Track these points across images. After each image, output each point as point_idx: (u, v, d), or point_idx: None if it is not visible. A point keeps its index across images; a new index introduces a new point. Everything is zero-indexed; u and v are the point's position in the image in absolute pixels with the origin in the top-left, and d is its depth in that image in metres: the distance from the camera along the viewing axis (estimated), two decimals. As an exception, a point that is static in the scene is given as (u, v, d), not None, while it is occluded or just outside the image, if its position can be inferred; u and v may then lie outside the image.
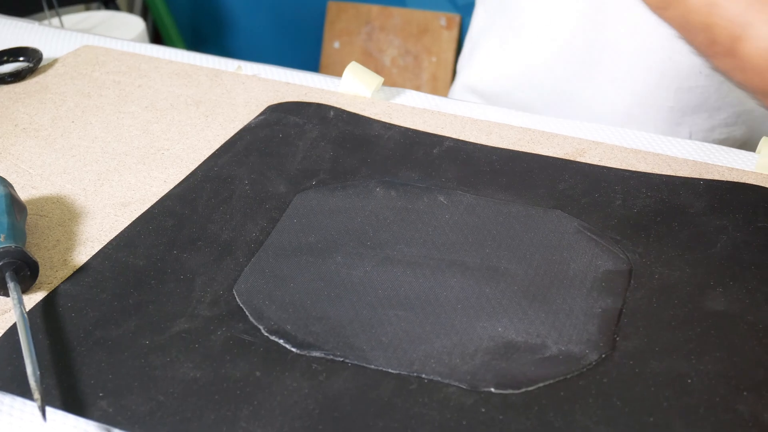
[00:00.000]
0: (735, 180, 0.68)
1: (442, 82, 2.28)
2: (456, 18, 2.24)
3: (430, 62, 2.28)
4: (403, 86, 1.90)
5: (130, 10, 2.34)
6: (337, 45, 2.38)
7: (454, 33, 2.25)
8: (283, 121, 0.76)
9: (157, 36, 2.45)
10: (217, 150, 0.73)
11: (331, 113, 0.77)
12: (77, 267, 0.59)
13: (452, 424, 0.48)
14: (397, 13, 2.31)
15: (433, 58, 2.28)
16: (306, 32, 2.45)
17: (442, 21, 2.25)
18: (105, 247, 0.61)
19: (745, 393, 0.49)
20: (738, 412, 0.48)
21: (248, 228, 0.63)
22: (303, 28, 2.45)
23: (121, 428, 0.48)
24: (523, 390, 0.50)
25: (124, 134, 0.77)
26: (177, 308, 0.56)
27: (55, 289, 0.57)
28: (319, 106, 0.78)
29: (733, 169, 0.71)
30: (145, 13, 2.43)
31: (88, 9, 2.05)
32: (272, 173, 0.69)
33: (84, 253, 0.61)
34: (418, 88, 2.23)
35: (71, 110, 0.80)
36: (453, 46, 2.26)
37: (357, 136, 0.74)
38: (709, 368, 0.51)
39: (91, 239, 0.63)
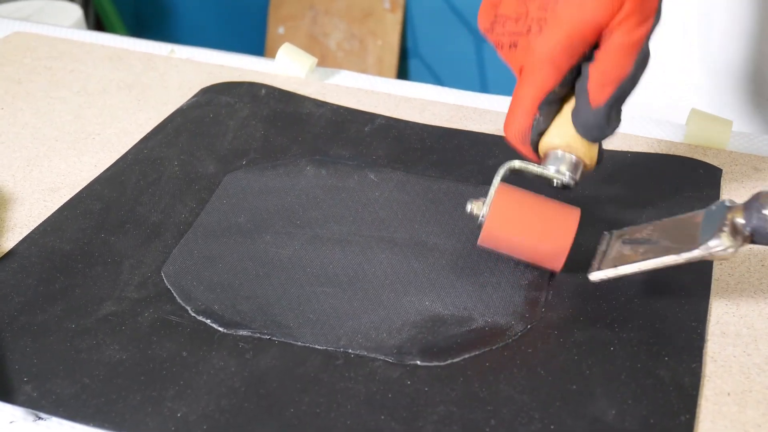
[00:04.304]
0: (664, 152, 0.69)
1: (388, 65, 2.28)
2: (400, 1, 2.24)
3: (376, 45, 2.28)
4: (349, 70, 1.91)
5: (71, -2, 2.31)
6: (281, 30, 2.36)
7: (398, 16, 2.25)
8: (214, 101, 0.76)
9: (99, 24, 2.42)
10: (148, 133, 0.72)
11: (263, 91, 0.77)
12: (3, 253, 0.59)
13: (378, 397, 0.48)
14: (340, -4, 2.31)
15: (379, 41, 2.27)
16: (250, 18, 2.44)
17: (386, 4, 2.25)
18: (32, 232, 0.61)
19: (666, 358, 0.50)
20: (659, 376, 0.49)
21: (177, 209, 0.63)
22: (247, 13, 2.44)
23: (45, 412, 0.47)
24: (449, 362, 0.50)
25: (54, 119, 0.76)
26: (104, 291, 0.55)
27: (-21, 276, 0.57)
28: (251, 84, 0.78)
29: (662, 140, 0.72)
30: (86, 2, 2.40)
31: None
32: (202, 154, 0.69)
33: (11, 239, 0.60)
34: (364, 72, 2.23)
35: (0, 97, 0.79)
36: (398, 29, 2.26)
37: (288, 114, 0.74)
38: (631, 336, 0.51)
39: (20, 225, 0.62)
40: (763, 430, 0.46)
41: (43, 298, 0.55)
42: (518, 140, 0.58)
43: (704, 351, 0.51)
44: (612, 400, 0.47)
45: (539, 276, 0.56)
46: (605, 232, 0.57)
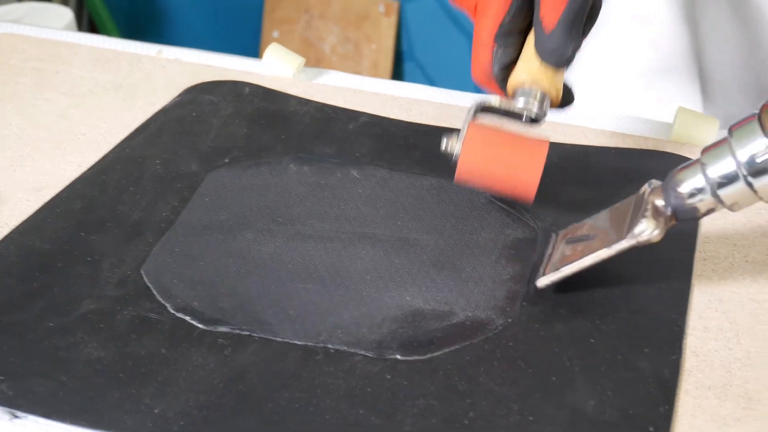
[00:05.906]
0: (650, 149, 0.69)
1: (383, 68, 2.28)
2: (394, 5, 2.24)
3: (371, 49, 2.28)
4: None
5: (64, 2, 2.31)
6: (276, 34, 2.36)
7: (393, 20, 2.25)
8: (197, 100, 0.76)
9: (93, 28, 2.43)
10: (131, 132, 0.72)
11: (246, 90, 0.77)
12: (-16, 253, 0.59)
13: (357, 392, 0.48)
14: (335, 0, 2.31)
15: (373, 45, 2.28)
16: (244, 22, 2.44)
17: (381, 8, 2.25)
18: (11, 232, 0.60)
19: (646, 350, 0.50)
20: (639, 368, 0.48)
21: (159, 208, 0.63)
22: (241, 17, 2.44)
23: (22, 410, 0.47)
24: (429, 356, 0.50)
25: (40, 120, 0.75)
26: (83, 290, 0.55)
27: (-42, 276, 0.57)
28: (234, 83, 0.78)
29: (649, 138, 0.71)
30: (80, 5, 2.41)
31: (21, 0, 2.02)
32: (184, 152, 0.69)
33: (-7, 238, 0.60)
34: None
35: (-15, 98, 0.79)
36: (393, 32, 2.26)
37: (272, 112, 0.74)
38: (612, 328, 0.51)
39: (2, 224, 0.62)
40: (743, 423, 0.46)
41: (22, 297, 0.55)
42: (482, 77, 0.59)
43: (685, 345, 0.51)
44: (592, 391, 0.47)
45: (521, 270, 0.56)
46: (552, 234, 0.57)
